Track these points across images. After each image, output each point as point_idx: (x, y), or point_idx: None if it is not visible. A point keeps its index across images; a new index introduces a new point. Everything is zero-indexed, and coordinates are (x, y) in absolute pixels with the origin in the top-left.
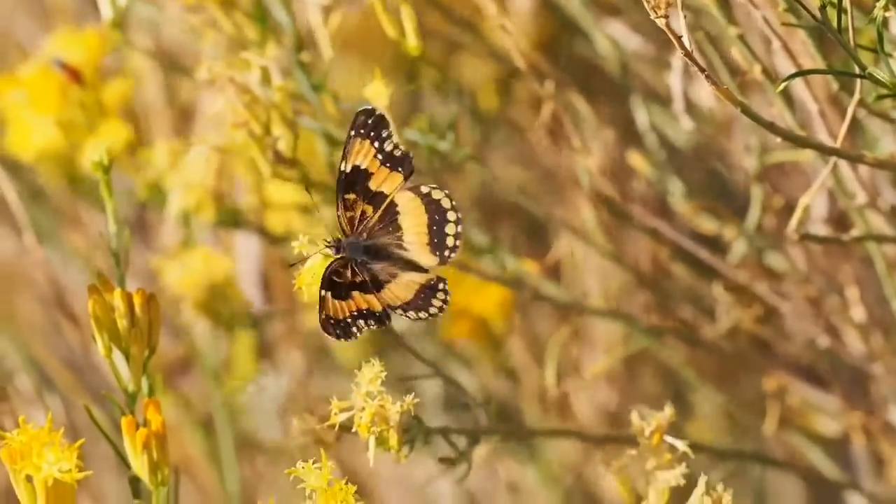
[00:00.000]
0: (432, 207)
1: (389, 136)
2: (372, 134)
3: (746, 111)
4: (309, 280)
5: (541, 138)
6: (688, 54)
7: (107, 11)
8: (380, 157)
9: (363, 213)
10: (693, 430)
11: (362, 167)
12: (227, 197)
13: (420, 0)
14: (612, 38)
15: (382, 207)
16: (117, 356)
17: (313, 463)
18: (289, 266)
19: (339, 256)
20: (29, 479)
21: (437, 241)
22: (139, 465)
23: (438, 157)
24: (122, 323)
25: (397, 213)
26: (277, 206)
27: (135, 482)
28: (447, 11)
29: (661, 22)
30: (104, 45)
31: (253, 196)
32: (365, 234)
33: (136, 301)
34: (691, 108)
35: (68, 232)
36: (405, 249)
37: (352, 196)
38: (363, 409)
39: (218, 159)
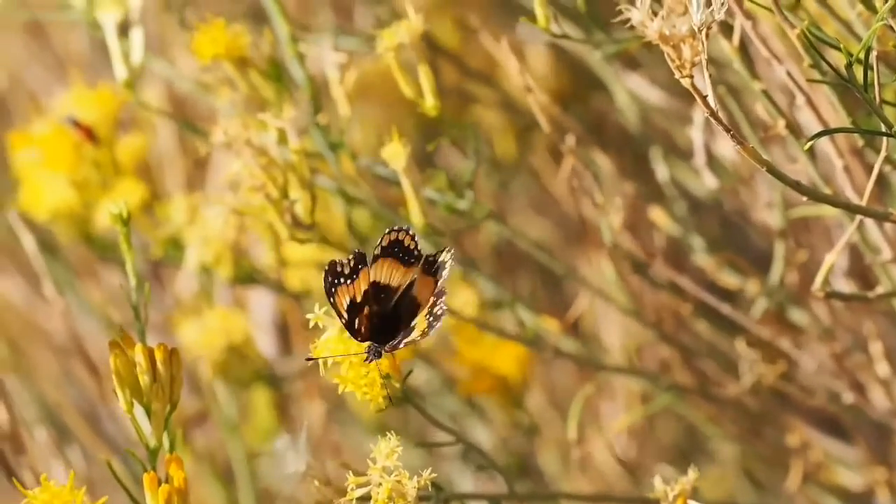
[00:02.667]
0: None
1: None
2: (396, 250)
3: (772, 170)
4: (325, 352)
5: (562, 193)
6: (713, 114)
7: (120, 71)
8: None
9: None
10: (714, 486)
11: (386, 283)
12: (245, 253)
13: (434, 53)
14: (632, 91)
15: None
16: (138, 411)
17: None
18: (307, 360)
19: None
20: None
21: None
22: None
23: (457, 213)
24: (143, 379)
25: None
26: (295, 264)
27: None
28: (462, 65)
29: (686, 82)
30: (118, 103)
31: (271, 253)
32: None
33: (158, 356)
34: (712, 161)
35: (84, 285)
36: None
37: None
38: (380, 484)
39: (236, 218)
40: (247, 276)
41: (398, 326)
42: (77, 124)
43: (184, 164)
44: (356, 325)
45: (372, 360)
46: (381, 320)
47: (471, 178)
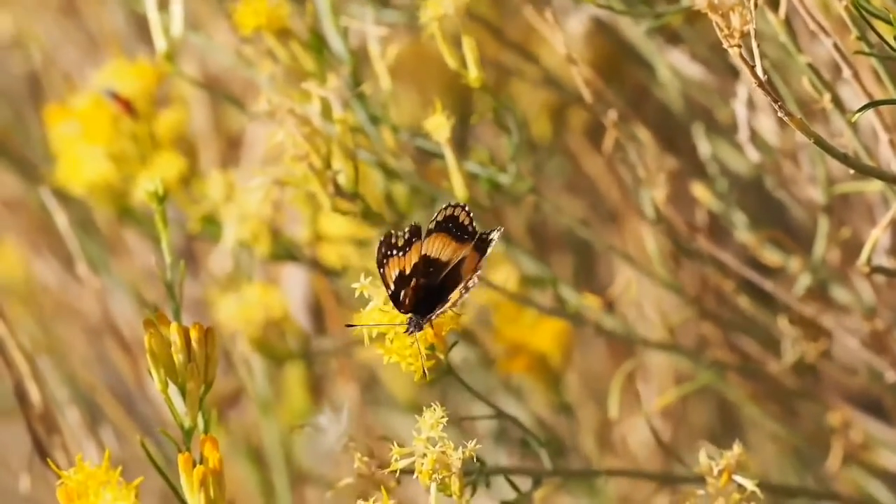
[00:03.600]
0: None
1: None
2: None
3: (820, 143)
4: (367, 322)
5: (603, 167)
6: (762, 84)
7: (160, 43)
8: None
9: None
10: (753, 466)
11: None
12: (281, 230)
13: (473, 26)
14: (673, 67)
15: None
16: (173, 391)
17: (374, 502)
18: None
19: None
20: None
21: None
22: (196, 503)
23: (498, 189)
24: (178, 358)
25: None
26: (332, 239)
27: None
28: (501, 38)
29: (734, 51)
30: (156, 76)
31: (308, 229)
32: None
33: (193, 336)
34: (755, 136)
35: (117, 262)
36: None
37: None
38: (424, 455)
39: (275, 192)
40: (284, 252)
41: (443, 301)
42: (116, 97)
43: (218, 142)
44: (402, 297)
45: (412, 332)
46: (427, 293)
47: (515, 151)
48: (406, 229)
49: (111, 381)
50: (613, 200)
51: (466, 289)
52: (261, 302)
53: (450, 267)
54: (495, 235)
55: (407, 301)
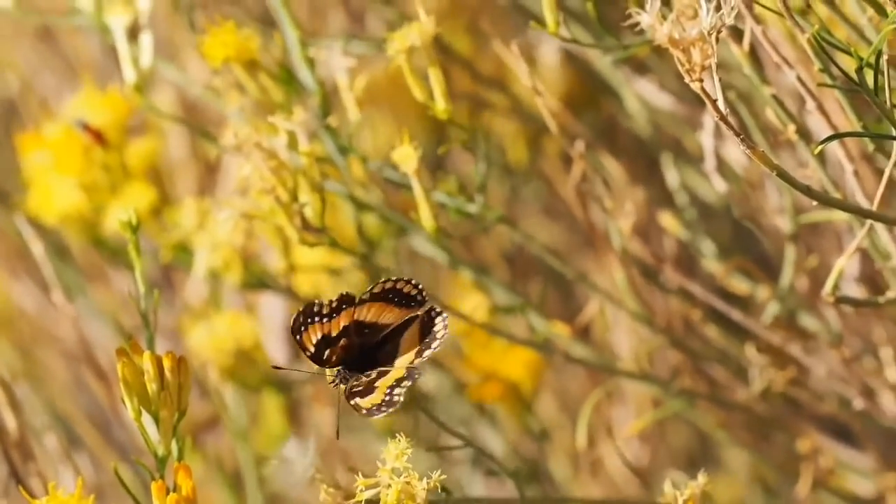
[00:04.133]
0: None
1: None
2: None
3: (782, 175)
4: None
5: (572, 198)
6: (723, 118)
7: (130, 74)
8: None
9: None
10: (725, 491)
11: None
12: (255, 258)
13: (445, 59)
14: (642, 96)
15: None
16: (147, 419)
17: None
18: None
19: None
20: None
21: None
22: None
23: (467, 218)
24: (151, 387)
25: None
26: (305, 269)
27: None
28: (473, 70)
29: (695, 86)
30: (128, 107)
31: (281, 258)
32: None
33: (166, 364)
34: (722, 166)
35: (94, 288)
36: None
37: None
38: (389, 486)
39: (245, 222)
40: (257, 281)
41: (379, 357)
42: (87, 127)
43: (195, 170)
44: (325, 356)
45: (336, 385)
46: (364, 351)
47: (482, 181)
48: (335, 298)
49: (89, 407)
50: (587, 227)
51: (398, 384)
52: (231, 331)
53: (393, 327)
54: (441, 326)
55: (334, 358)
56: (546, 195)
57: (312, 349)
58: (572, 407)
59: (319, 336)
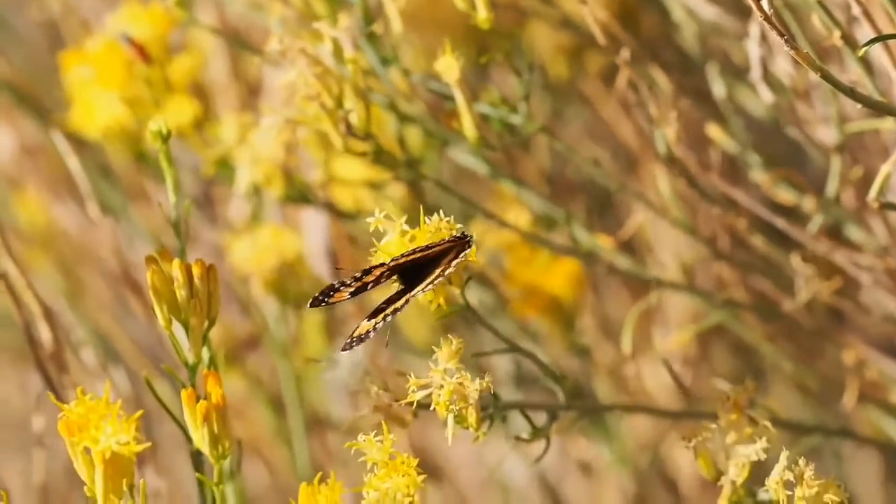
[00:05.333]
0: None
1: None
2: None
3: (826, 76)
4: (386, 256)
5: (615, 117)
6: (767, 18)
7: None
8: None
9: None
10: (770, 405)
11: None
12: (296, 172)
13: None
14: (688, 7)
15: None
16: (178, 329)
17: (375, 436)
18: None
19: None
20: (87, 451)
21: None
22: (200, 438)
23: (509, 130)
24: (180, 294)
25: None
26: (346, 182)
27: (196, 456)
28: None
29: None
30: (170, 22)
31: (321, 171)
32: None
33: (195, 272)
34: (768, 77)
35: (136, 208)
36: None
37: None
38: (442, 386)
39: (288, 133)
40: (298, 194)
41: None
42: (131, 41)
43: (236, 88)
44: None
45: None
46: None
47: (526, 88)
48: (358, 272)
49: (128, 323)
50: (630, 145)
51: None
52: (273, 245)
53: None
54: (467, 247)
55: (382, 279)
56: (588, 116)
57: (348, 296)
58: (614, 328)
59: (353, 290)
